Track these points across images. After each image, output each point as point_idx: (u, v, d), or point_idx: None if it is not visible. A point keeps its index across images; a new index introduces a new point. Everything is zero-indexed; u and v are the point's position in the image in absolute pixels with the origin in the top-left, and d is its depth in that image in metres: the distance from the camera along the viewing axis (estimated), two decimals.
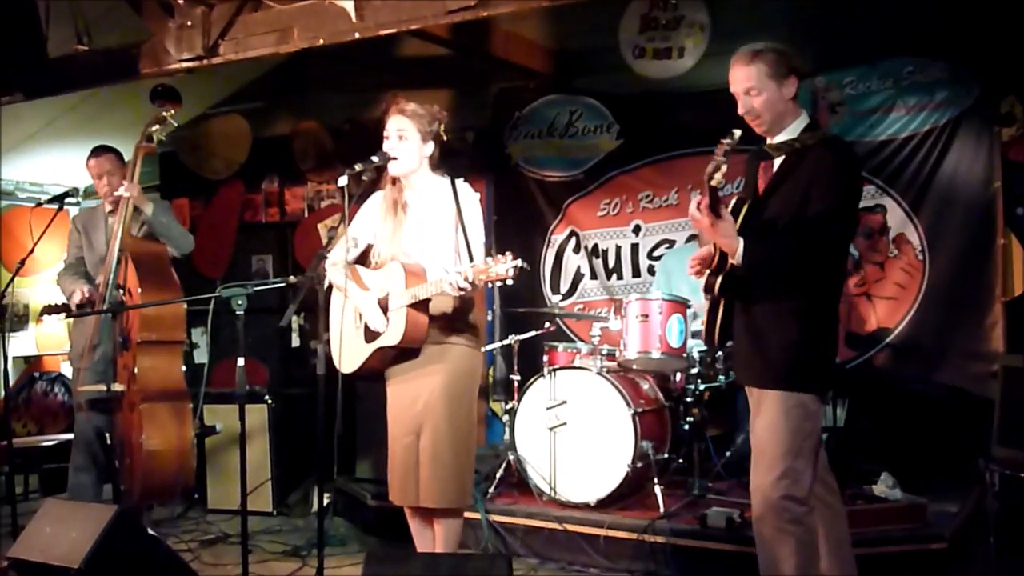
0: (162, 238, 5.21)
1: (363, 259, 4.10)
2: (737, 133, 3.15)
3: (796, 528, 3.27)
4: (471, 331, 3.97)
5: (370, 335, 3.92)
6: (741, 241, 3.25)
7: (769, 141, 3.40)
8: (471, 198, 3.96)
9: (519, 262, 3.47)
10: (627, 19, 5.91)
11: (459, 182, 3.98)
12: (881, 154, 5.62)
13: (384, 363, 3.97)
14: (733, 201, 3.47)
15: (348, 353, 3.95)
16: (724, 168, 3.17)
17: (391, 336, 3.82)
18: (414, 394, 3.89)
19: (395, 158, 3.89)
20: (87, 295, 5.16)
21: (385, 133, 3.92)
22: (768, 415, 3.32)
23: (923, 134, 5.52)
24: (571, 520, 4.89)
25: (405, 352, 3.88)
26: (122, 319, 5.01)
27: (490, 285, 3.53)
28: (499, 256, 3.48)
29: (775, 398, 3.31)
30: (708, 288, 3.46)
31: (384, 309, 3.86)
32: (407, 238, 3.95)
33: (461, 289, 3.57)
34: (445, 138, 4.00)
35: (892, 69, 5.59)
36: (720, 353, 5.15)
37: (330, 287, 4.04)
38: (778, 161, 3.40)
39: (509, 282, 3.49)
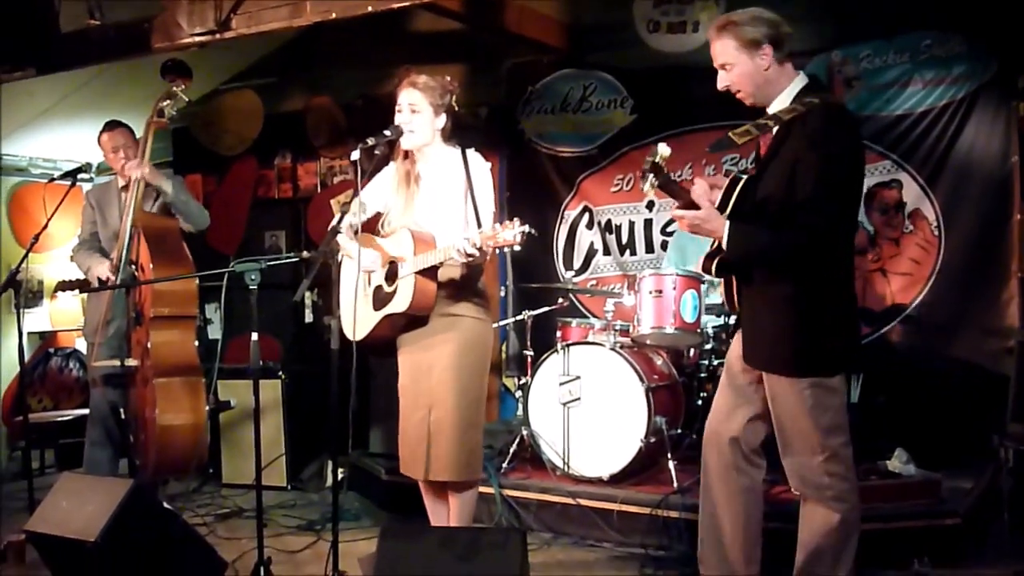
0: (180, 215, 5.22)
1: (372, 231, 4.09)
2: (660, 147, 3.14)
3: (840, 505, 3.23)
4: (481, 303, 3.96)
5: (379, 302, 3.92)
6: (726, 226, 3.16)
7: (771, 111, 3.28)
8: (481, 166, 3.94)
9: (527, 227, 3.43)
10: None
11: (469, 151, 3.95)
12: (897, 129, 5.56)
13: (394, 331, 3.95)
14: (728, 180, 3.38)
15: (357, 320, 3.94)
16: (649, 181, 3.16)
17: (399, 303, 3.81)
18: (426, 367, 3.88)
19: (408, 131, 3.87)
20: (108, 272, 5.16)
21: (397, 107, 3.90)
22: (784, 400, 3.24)
23: (940, 109, 5.46)
24: (584, 495, 4.90)
25: (414, 320, 3.87)
26: (135, 294, 5.02)
27: (499, 251, 3.50)
28: (507, 222, 3.45)
29: (785, 383, 3.23)
30: (705, 271, 3.41)
31: (393, 275, 3.85)
32: (419, 210, 3.94)
33: (469, 255, 3.53)
34: (457, 109, 3.98)
35: (909, 43, 5.52)
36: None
37: (342, 262, 4.03)
38: (776, 130, 3.26)
39: (517, 248, 3.46)
